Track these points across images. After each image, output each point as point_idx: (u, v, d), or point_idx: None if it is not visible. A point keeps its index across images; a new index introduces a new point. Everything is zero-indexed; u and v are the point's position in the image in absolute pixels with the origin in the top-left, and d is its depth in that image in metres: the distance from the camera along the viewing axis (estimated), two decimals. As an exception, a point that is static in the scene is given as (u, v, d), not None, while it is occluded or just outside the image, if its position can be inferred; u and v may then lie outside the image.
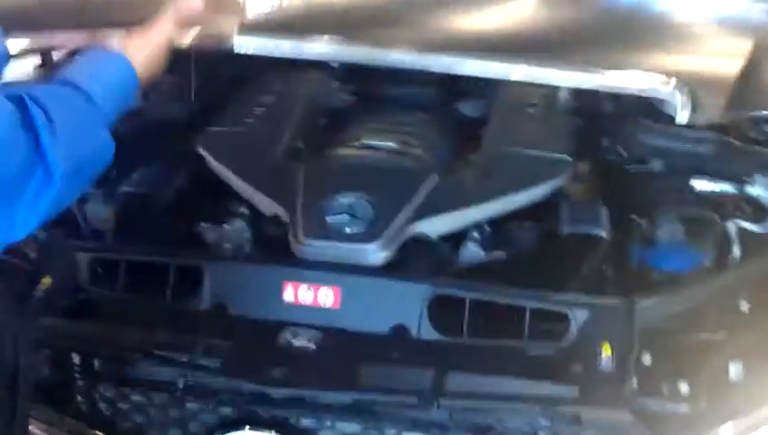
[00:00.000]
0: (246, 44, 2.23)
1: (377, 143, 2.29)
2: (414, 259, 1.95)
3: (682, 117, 2.04)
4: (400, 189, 2.08)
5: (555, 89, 2.44)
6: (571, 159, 2.23)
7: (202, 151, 2.28)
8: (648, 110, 2.29)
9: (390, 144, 2.29)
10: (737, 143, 2.29)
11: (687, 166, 2.28)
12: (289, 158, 2.27)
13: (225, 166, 2.22)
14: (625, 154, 2.35)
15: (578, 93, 2.52)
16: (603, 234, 1.98)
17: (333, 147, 2.32)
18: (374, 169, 2.17)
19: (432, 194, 2.08)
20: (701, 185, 2.20)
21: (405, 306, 1.78)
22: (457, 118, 2.55)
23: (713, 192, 2.20)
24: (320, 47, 2.29)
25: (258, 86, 2.59)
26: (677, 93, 2.05)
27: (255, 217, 2.11)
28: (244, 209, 2.13)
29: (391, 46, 2.25)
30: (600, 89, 2.19)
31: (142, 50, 1.69)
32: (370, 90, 2.66)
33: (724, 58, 2.32)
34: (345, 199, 2.04)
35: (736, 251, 2.06)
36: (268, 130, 2.36)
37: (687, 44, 2.45)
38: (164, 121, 2.48)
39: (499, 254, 2.01)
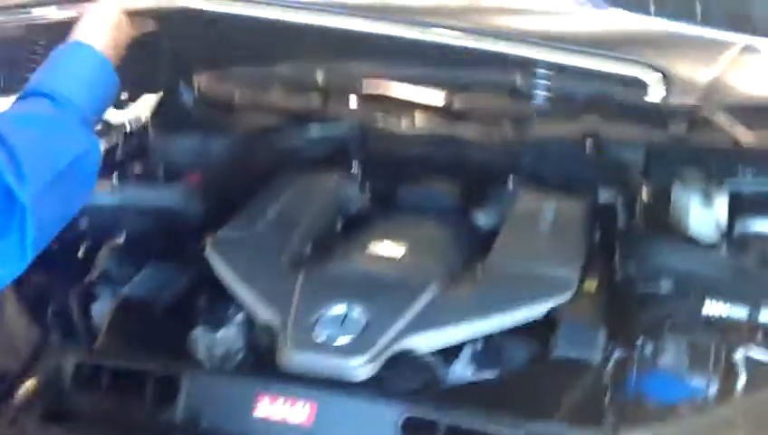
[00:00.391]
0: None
1: (380, 252, 2.27)
2: (399, 376, 1.92)
3: (655, 94, 1.91)
4: (396, 301, 2.06)
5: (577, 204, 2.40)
6: (576, 277, 2.17)
7: (209, 255, 2.29)
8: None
9: (394, 253, 2.27)
10: (753, 266, 2.20)
11: (699, 287, 2.21)
12: (294, 265, 2.26)
13: (227, 271, 2.22)
14: (635, 273, 2.28)
15: (596, 208, 2.49)
16: (598, 359, 1.91)
17: (337, 255, 2.31)
18: (373, 279, 2.15)
19: (428, 308, 2.06)
20: (712, 309, 2.12)
21: (378, 428, 1.74)
22: (470, 226, 2.52)
23: (723, 317, 2.11)
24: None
25: (275, 188, 2.61)
26: (650, 71, 1.92)
27: (250, 325, 2.11)
28: (240, 317, 2.13)
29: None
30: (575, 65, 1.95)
31: (98, 29, 1.69)
32: (387, 193, 2.65)
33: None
34: (338, 310, 2.02)
35: (741, 381, 1.97)
36: (278, 237, 2.36)
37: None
38: (178, 219, 2.51)
39: (489, 374, 1.96)
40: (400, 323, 1.99)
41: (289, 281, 2.16)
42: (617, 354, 1.99)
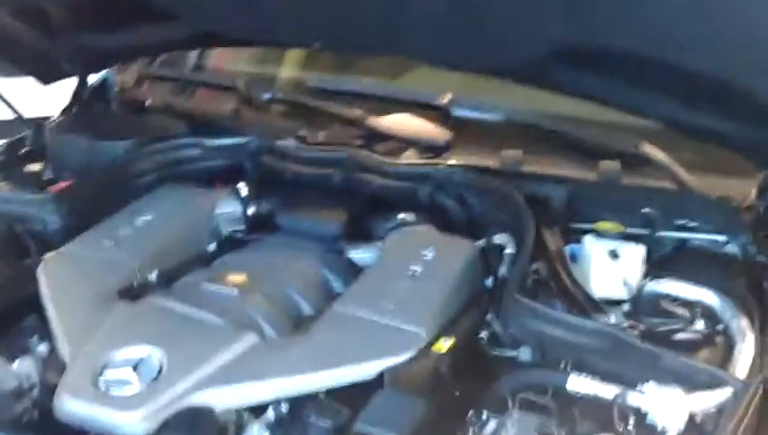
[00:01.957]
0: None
1: (216, 289, 2.03)
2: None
3: None
4: (203, 349, 1.81)
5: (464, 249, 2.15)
6: (426, 334, 1.89)
7: (39, 272, 2.08)
8: None
9: (231, 291, 2.02)
10: (638, 343, 1.89)
11: (570, 360, 1.91)
12: (125, 294, 2.04)
13: (47, 293, 2.02)
14: (503, 334, 1.99)
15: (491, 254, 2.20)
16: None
17: (171, 288, 2.08)
18: (189, 319, 1.91)
19: (237, 358, 1.81)
20: (577, 384, 1.81)
21: None
22: (346, 263, 2.25)
23: (589, 395, 1.80)
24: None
25: (147, 202, 2.38)
26: None
27: (51, 358, 1.89)
28: (43, 348, 1.92)
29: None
30: None
31: None
32: (270, 216, 2.40)
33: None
34: (134, 354, 1.79)
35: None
36: (121, 259, 2.14)
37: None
38: (33, 228, 2.31)
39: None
40: (196, 375, 1.75)
41: (102, 313, 1.93)
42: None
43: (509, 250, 2.17)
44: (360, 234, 2.32)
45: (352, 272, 2.19)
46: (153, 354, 1.79)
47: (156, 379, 1.75)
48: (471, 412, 1.76)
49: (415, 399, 1.72)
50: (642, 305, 2.13)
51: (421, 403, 1.71)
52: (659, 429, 1.74)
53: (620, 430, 1.76)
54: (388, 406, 1.70)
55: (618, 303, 2.14)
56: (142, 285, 2.10)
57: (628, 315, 2.05)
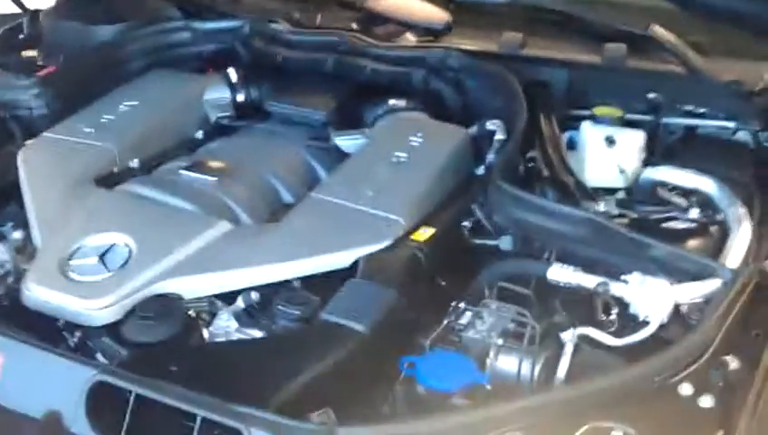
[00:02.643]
0: None
1: (194, 176, 1.98)
2: (147, 325, 1.64)
3: None
4: (174, 236, 1.77)
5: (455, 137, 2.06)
6: (405, 222, 1.83)
7: (19, 159, 2.05)
8: None
9: (208, 179, 1.96)
10: (623, 230, 1.81)
11: (553, 248, 1.84)
12: (105, 181, 2.00)
13: (25, 179, 1.98)
14: (489, 222, 1.92)
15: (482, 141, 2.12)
16: (361, 329, 1.58)
17: (151, 175, 2.03)
18: (161, 207, 1.87)
19: (208, 246, 1.77)
20: (558, 274, 1.75)
21: (64, 390, 1.48)
22: (332, 150, 2.18)
23: (571, 285, 1.74)
24: None
25: (134, 87, 2.32)
26: None
27: (25, 245, 1.87)
28: (18, 235, 1.89)
29: None
30: None
31: None
32: (261, 103, 2.33)
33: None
34: (101, 242, 1.76)
35: (561, 370, 1.62)
36: (100, 145, 2.09)
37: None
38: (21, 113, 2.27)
39: (255, 332, 1.67)
40: (165, 263, 1.71)
41: (77, 200, 1.90)
42: (406, 324, 1.65)
43: (499, 136, 2.08)
44: (351, 121, 2.24)
45: (338, 160, 2.12)
46: (122, 242, 1.75)
47: (124, 266, 1.71)
48: (452, 304, 1.70)
49: (385, 288, 1.66)
50: (637, 194, 2.04)
51: (391, 293, 1.66)
52: (642, 319, 1.67)
53: (602, 320, 1.69)
54: (358, 295, 1.66)
55: (613, 191, 2.05)
56: (123, 172, 2.06)
57: (621, 204, 1.96)
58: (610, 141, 2.07)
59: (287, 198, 2.01)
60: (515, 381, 1.63)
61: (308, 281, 1.75)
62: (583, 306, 1.73)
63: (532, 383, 1.63)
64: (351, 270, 1.74)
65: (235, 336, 1.65)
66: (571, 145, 2.18)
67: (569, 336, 1.66)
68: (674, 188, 2.04)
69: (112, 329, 1.64)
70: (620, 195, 2.01)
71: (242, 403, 1.38)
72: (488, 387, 1.54)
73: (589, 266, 1.76)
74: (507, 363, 1.63)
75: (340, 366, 1.53)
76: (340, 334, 1.57)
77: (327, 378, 1.51)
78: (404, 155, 2.01)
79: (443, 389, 1.53)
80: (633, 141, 2.09)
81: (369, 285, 1.67)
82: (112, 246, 1.75)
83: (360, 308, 1.61)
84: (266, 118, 2.30)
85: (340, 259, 1.75)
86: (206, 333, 1.67)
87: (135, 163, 2.08)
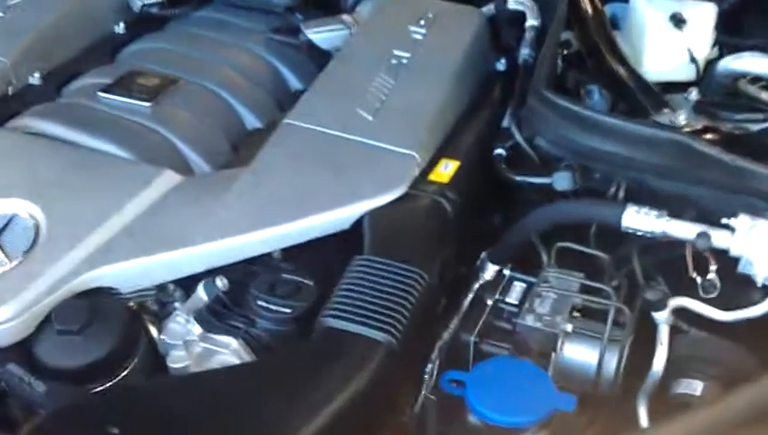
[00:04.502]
0: None
1: (120, 100, 1.43)
2: (65, 346, 1.14)
3: None
4: (100, 200, 1.25)
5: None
6: (419, 157, 1.33)
7: None
8: None
9: (141, 104, 1.42)
10: (721, 154, 1.31)
11: (624, 184, 1.35)
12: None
13: None
14: (527, 150, 1.42)
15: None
16: (386, 339, 1.09)
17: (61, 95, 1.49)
18: (77, 153, 1.33)
19: (151, 212, 1.25)
20: (634, 220, 1.26)
21: None
22: (302, 51, 1.63)
23: (654, 234, 1.26)
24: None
25: None
26: None
27: None
28: None
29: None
30: None
31: None
32: None
33: None
34: (-3, 212, 1.23)
35: (658, 361, 1.17)
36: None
37: None
38: None
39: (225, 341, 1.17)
40: (89, 243, 1.19)
41: None
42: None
43: (532, 21, 1.55)
44: (324, 4, 1.68)
45: (313, 61, 1.59)
46: (24, 212, 1.22)
47: (30, 250, 1.19)
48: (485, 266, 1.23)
49: (409, 266, 1.17)
50: (708, 91, 1.54)
51: (417, 274, 1.16)
52: (760, 281, 1.21)
53: (700, 282, 1.23)
54: (373, 284, 1.15)
55: (679, 87, 1.55)
56: (18, 94, 1.50)
57: (699, 109, 1.46)
58: (678, 21, 1.55)
59: (251, 121, 1.48)
60: (591, 382, 1.18)
61: (292, 252, 1.25)
62: (672, 266, 1.27)
63: (615, 384, 1.18)
64: (352, 233, 1.24)
65: (199, 348, 1.15)
66: (614, 24, 1.66)
67: (663, 315, 1.21)
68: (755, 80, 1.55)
69: (19, 351, 1.13)
70: (693, 95, 1.50)
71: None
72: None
73: (672, 208, 1.27)
74: (581, 356, 1.18)
75: (359, 402, 1.05)
76: (356, 350, 1.08)
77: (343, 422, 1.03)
78: (405, 54, 1.49)
79: (512, 424, 1.06)
80: (704, 18, 1.57)
81: (387, 265, 1.17)
82: (11, 219, 1.22)
83: (380, 305, 1.12)
84: (207, 3, 1.73)
85: (336, 220, 1.25)
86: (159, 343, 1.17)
87: (36, 79, 1.53)
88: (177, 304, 1.21)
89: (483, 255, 1.34)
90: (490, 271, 1.32)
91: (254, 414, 1.02)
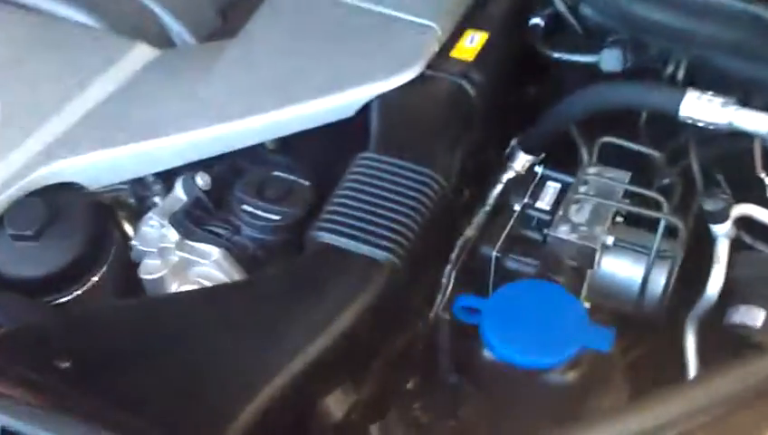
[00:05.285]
0: None
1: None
2: (21, 254, 0.98)
3: None
4: (60, 81, 1.07)
5: None
6: (440, 30, 1.12)
7: None
8: None
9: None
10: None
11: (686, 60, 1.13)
12: None
13: None
14: (570, 20, 1.19)
15: None
16: (389, 259, 0.91)
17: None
18: (31, 24, 1.15)
19: (122, 94, 1.07)
20: (694, 108, 1.04)
21: None
22: None
23: (710, 126, 1.05)
24: None
25: None
26: None
27: None
28: None
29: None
30: None
31: None
32: None
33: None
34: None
35: (714, 284, 1.00)
36: None
37: None
38: None
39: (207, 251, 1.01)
40: (49, 131, 1.02)
41: None
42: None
43: None
44: None
45: None
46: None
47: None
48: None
49: (420, 166, 0.98)
50: None
51: (430, 176, 0.97)
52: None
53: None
54: (374, 179, 0.97)
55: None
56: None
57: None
58: None
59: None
60: (633, 302, 1.01)
61: (287, 144, 1.07)
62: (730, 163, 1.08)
63: (661, 306, 1.01)
64: (358, 122, 1.05)
65: (176, 257, 0.99)
66: None
67: (724, 228, 1.02)
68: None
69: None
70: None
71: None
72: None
73: (745, 93, 1.06)
74: (622, 271, 1.00)
75: (357, 333, 0.89)
76: (353, 273, 0.91)
77: (337, 354, 0.87)
78: None
79: (533, 365, 0.89)
80: None
81: (395, 165, 0.98)
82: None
83: (384, 216, 0.94)
84: None
85: (338, 106, 1.05)
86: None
87: None
88: (156, 199, 1.04)
89: (513, 142, 1.15)
90: (521, 160, 1.14)
91: (231, 347, 0.86)
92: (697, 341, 1.01)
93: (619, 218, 1.05)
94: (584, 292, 1.01)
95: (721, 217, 1.01)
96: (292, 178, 1.03)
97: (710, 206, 1.01)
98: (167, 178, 1.06)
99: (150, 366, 0.83)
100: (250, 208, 0.99)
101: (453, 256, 1.01)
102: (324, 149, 1.06)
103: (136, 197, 1.07)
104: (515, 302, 0.92)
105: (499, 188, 1.11)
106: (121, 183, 1.05)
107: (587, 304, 1.01)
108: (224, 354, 0.84)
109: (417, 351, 1.02)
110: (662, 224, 1.01)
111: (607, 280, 1.03)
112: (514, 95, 1.20)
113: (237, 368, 0.83)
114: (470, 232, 1.04)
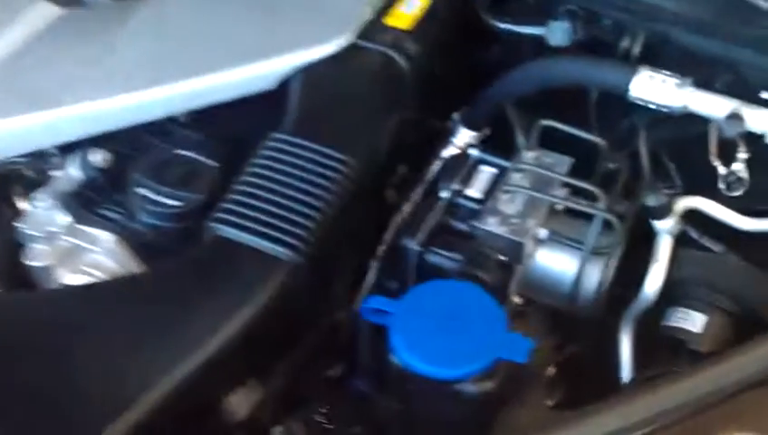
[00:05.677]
0: None
1: None
2: None
3: None
4: None
5: None
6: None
7: None
8: None
9: None
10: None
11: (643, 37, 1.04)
12: None
13: None
14: None
15: None
16: (291, 257, 0.84)
17: None
18: None
19: (16, 58, 0.98)
20: (645, 88, 0.96)
21: None
22: None
23: (662, 109, 0.96)
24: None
25: None
26: None
27: None
28: None
29: None
30: None
31: None
32: None
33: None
34: None
35: (652, 283, 0.92)
36: None
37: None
38: None
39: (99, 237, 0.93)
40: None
41: None
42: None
43: None
44: None
45: None
46: None
47: None
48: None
49: (336, 152, 0.89)
50: None
51: (339, 159, 0.89)
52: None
53: (724, 173, 0.96)
54: (281, 164, 0.89)
55: None
56: None
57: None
58: None
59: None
60: (565, 297, 0.93)
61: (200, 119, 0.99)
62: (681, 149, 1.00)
63: (594, 304, 0.94)
64: (279, 96, 0.97)
65: (65, 243, 0.92)
66: None
67: (666, 224, 0.93)
68: None
69: None
70: None
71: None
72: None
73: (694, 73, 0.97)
74: (556, 264, 0.93)
75: (255, 333, 0.82)
76: (250, 270, 0.83)
77: (235, 353, 0.80)
78: None
79: (439, 377, 0.82)
80: None
81: (306, 148, 0.90)
82: None
83: (287, 207, 0.86)
84: None
85: (256, 76, 0.96)
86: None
87: None
88: (57, 173, 0.96)
89: (454, 116, 1.07)
90: (463, 136, 1.05)
91: (115, 349, 0.79)
92: (632, 340, 0.94)
93: (559, 206, 0.97)
94: (512, 289, 0.93)
95: (662, 212, 0.93)
96: (199, 158, 0.94)
97: (651, 201, 0.92)
98: (70, 152, 0.98)
99: (18, 370, 0.76)
100: (147, 192, 0.91)
101: (381, 245, 0.94)
102: (241, 126, 0.97)
103: (36, 171, 0.99)
104: (428, 304, 0.85)
105: (438, 164, 1.03)
106: (21, 156, 0.97)
107: (517, 300, 0.93)
108: (104, 358, 0.77)
109: (337, 344, 0.95)
110: (598, 219, 0.92)
111: (540, 274, 0.95)
112: (462, 65, 1.10)
113: (122, 369, 0.77)
114: (406, 209, 0.96)
